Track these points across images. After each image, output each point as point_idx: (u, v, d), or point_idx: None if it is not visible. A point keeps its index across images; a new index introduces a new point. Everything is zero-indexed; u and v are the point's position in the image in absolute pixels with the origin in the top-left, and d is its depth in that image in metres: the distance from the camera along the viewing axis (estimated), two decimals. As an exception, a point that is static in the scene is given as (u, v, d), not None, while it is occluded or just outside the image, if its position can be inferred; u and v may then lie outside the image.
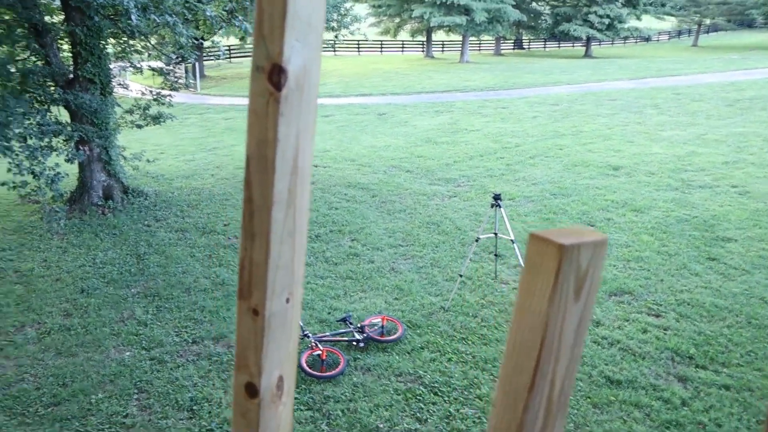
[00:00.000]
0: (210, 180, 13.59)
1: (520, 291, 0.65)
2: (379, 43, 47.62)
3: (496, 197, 7.44)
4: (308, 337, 6.58)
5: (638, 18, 46.50)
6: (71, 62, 11.07)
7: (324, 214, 11.06)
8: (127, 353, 6.83)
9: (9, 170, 9.08)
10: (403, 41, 47.69)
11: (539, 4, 48.24)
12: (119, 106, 11.78)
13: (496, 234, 7.72)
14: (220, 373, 6.42)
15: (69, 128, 10.39)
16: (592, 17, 42.73)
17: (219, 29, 10.88)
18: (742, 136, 16.05)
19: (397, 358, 6.56)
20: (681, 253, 9.04)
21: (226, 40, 34.81)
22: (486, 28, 39.92)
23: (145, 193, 12.10)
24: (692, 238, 9.53)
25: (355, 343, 6.71)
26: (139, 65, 12.91)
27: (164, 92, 12.41)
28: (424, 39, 45.41)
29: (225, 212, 11.33)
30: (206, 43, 23.78)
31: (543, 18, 48.06)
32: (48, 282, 8.67)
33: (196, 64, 29.51)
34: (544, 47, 55.40)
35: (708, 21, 58.33)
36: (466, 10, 37.98)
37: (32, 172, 9.27)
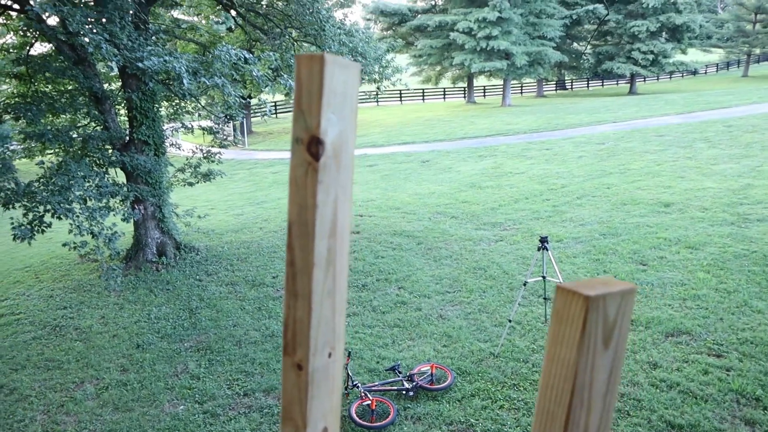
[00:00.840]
0: (258, 233, 13.87)
1: (549, 341, 0.68)
2: (421, 91, 48.34)
3: (543, 240, 7.37)
4: (358, 387, 6.57)
5: (683, 52, 46.02)
6: (127, 126, 11.62)
7: (370, 263, 11.12)
8: (181, 407, 6.93)
9: (70, 231, 9.47)
10: (444, 88, 48.31)
11: (580, 44, 48.33)
12: (171, 165, 12.24)
13: (544, 277, 7.63)
14: (271, 425, 6.44)
15: (125, 189, 10.83)
16: (635, 54, 42.48)
17: (265, 87, 11.28)
18: (798, 167, 15.56)
19: (447, 406, 6.47)
20: (741, 289, 8.72)
21: (271, 97, 35.96)
22: (527, 71, 40.14)
23: (197, 248, 12.43)
24: (752, 274, 9.20)
25: (404, 392, 6.66)
26: (190, 125, 13.45)
27: (214, 150, 12.86)
28: (465, 85, 45.89)
29: (273, 264, 11.52)
30: (253, 101, 24.61)
31: (585, 57, 48.06)
32: (106, 338, 8.93)
33: (244, 121, 30.49)
34: (587, 86, 55.24)
35: (758, 51, 57.21)
36: (507, 55, 38.34)
37: (91, 233, 9.66)
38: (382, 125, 33.71)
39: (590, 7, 42.22)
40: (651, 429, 5.91)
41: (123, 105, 11.88)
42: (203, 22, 18.70)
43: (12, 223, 9.68)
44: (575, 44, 48.15)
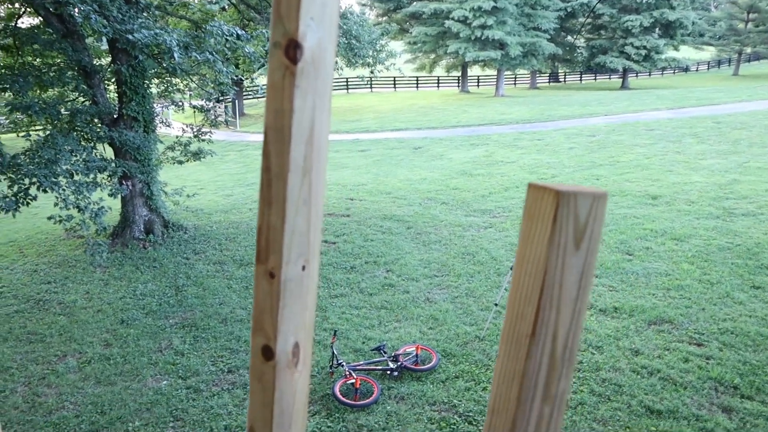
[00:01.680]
0: (248, 214, 13.82)
1: (521, 240, 0.68)
2: (415, 79, 48.21)
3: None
4: (342, 365, 6.58)
5: (676, 49, 46.15)
6: (117, 101, 11.50)
7: (359, 245, 11.12)
8: (164, 382, 6.92)
9: (56, 204, 9.40)
10: (438, 77, 48.19)
11: (574, 37, 48.33)
12: (161, 142, 12.15)
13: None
14: (255, 402, 6.43)
15: (113, 164, 10.75)
16: (628, 49, 42.56)
17: (258, 68, 11.19)
18: (786, 164, 15.68)
19: (431, 387, 6.51)
20: (723, 281, 8.80)
21: (264, 79, 35.74)
22: (521, 62, 40.09)
23: (185, 227, 12.37)
24: (735, 266, 9.28)
25: (389, 372, 6.68)
26: (180, 103, 13.34)
27: (204, 129, 12.78)
28: (460, 74, 45.80)
29: (262, 244, 11.46)
30: (246, 82, 24.44)
31: (579, 51, 48.06)
32: (90, 313, 8.88)
33: (236, 103, 30.31)
34: (580, 80, 55.29)
35: (749, 50, 57.45)
36: (501, 45, 38.28)
37: (77, 207, 9.58)
38: (376, 111, 33.62)
39: (585, 0, 42.21)
40: (630, 413, 5.97)
41: (112, 80, 11.76)
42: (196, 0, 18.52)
43: (-4, 195, 9.59)
44: (569, 37, 48.16)
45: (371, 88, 46.03)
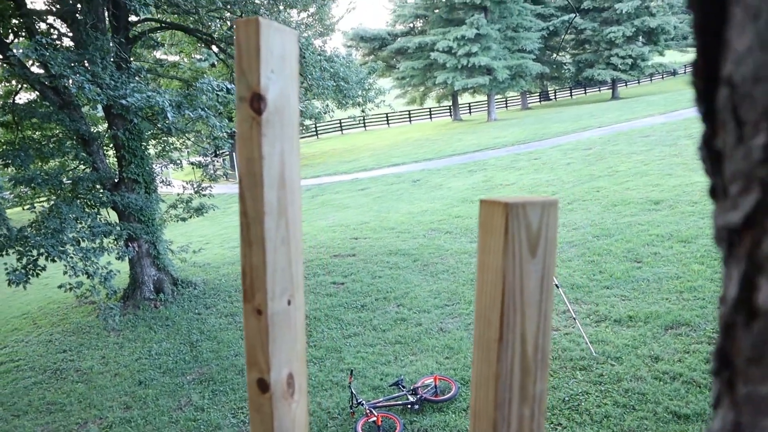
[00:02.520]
0: (255, 262, 13.84)
1: (479, 251, 0.73)
2: (407, 113, 48.72)
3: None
4: (362, 404, 6.55)
5: (661, 54, 46.62)
6: (116, 166, 11.69)
7: (368, 283, 11.14)
8: (188, 439, 6.90)
9: (65, 272, 9.49)
10: (430, 108, 48.71)
11: (559, 54, 48.91)
12: (163, 201, 12.30)
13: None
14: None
15: (118, 228, 10.87)
16: (614, 59, 43.03)
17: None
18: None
19: (453, 416, 6.46)
20: (736, 279, 8.76)
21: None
22: (510, 84, 40.55)
23: (194, 282, 12.42)
24: (745, 263, 9.25)
25: (409, 405, 6.64)
26: (179, 161, 13.54)
27: (204, 184, 12.95)
28: (451, 103, 46.31)
29: (272, 291, 11.50)
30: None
31: (566, 67, 48.60)
32: (107, 378, 8.89)
33: (233, 155, 30.63)
34: (571, 95, 55.80)
35: (733, 49, 57.81)
36: (488, 70, 38.77)
37: (86, 273, 9.67)
38: (371, 149, 33.92)
39: (565, 17, 42.87)
40: (657, 421, 5.91)
41: (111, 145, 11.97)
42: (185, 60, 18.89)
43: (6, 269, 9.69)
44: (554, 55, 48.74)
45: (365, 126, 46.52)
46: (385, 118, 47.73)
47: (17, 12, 10.13)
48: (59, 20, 10.81)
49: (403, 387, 6.88)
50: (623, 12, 41.45)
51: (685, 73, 63.37)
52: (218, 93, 9.66)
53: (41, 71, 10.20)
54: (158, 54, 17.55)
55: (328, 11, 26.41)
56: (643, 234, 11.34)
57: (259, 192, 0.84)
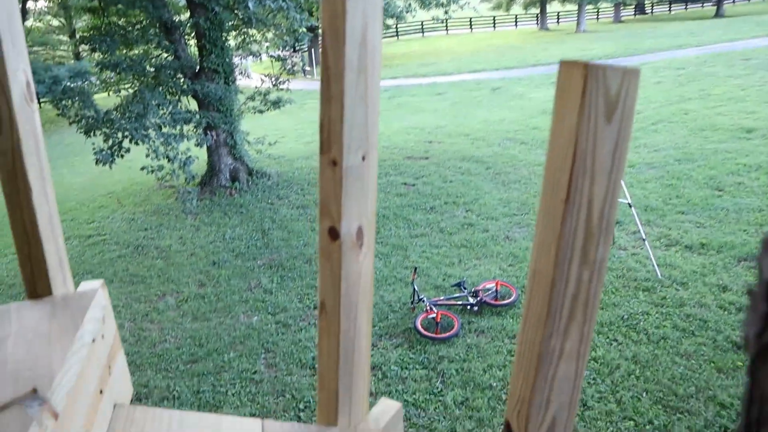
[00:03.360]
0: (327, 160, 14.06)
1: (554, 114, 0.73)
2: (492, 18, 46.77)
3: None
4: (423, 301, 6.76)
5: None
6: (197, 55, 11.88)
7: (438, 187, 11.19)
8: (255, 318, 7.33)
9: (147, 156, 9.95)
10: (516, 15, 46.58)
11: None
12: (242, 92, 12.50)
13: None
14: (339, 336, 6.73)
15: (197, 116, 11.19)
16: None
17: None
18: None
19: (510, 321, 6.60)
20: (824, 214, 8.33)
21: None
22: (604, -6, 38.10)
23: (268, 174, 12.77)
24: (838, 199, 8.74)
25: (468, 307, 6.80)
26: (258, 54, 13.63)
27: (282, 78, 13.04)
28: (538, 11, 44.07)
29: (341, 189, 11.72)
30: (320, 30, 24.50)
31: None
32: (184, 256, 9.44)
33: (312, 51, 30.48)
34: (669, 10, 51.92)
35: None
36: (582, -23, 36.44)
37: (167, 157, 10.11)
38: (452, 53, 33.02)
39: None
40: (716, 348, 5.86)
41: (192, 35, 12.12)
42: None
43: (94, 149, 10.24)
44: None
45: (447, 30, 45.08)
46: (468, 23, 46.02)
47: None
48: None
49: (465, 288, 7.03)
50: None
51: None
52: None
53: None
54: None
55: None
56: (729, 162, 10.80)
57: (341, 48, 0.86)
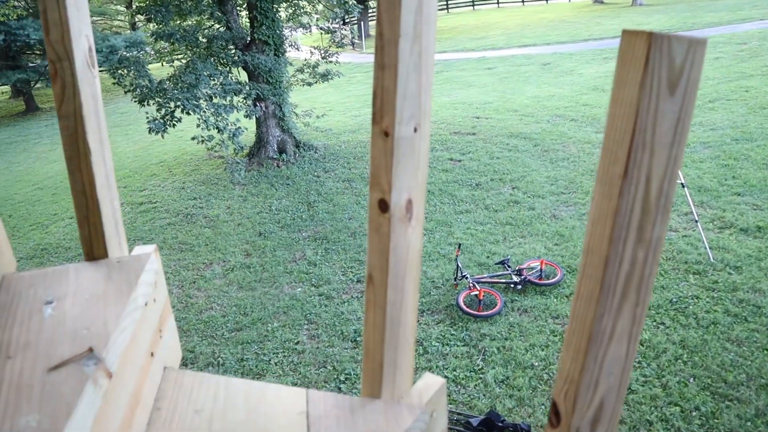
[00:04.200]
0: (374, 134, 14.04)
1: (614, 84, 0.71)
2: (544, -9, 45.54)
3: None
4: (466, 278, 6.74)
5: None
6: (248, 27, 11.96)
7: (485, 163, 11.07)
8: (299, 289, 7.44)
9: (198, 126, 10.11)
10: (570, -12, 45.22)
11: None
12: (291, 65, 12.54)
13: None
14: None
15: (247, 87, 11.29)
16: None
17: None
18: None
19: (554, 300, 6.53)
20: None
21: None
22: (664, -34, 36.59)
23: (315, 146, 12.85)
24: None
25: (512, 285, 6.76)
26: (308, 26, 13.62)
27: (331, 51, 13.03)
28: (594, -16, 42.64)
29: (387, 163, 11.71)
30: (370, 2, 24.33)
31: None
32: (231, 226, 9.61)
33: (362, 24, 30.32)
34: (734, -17, 49.64)
35: None
36: (641, -52, 35.08)
37: (217, 127, 10.26)
38: (503, 27, 32.36)
39: None
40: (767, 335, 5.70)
41: (244, 6, 12.18)
42: None
43: (147, 118, 10.45)
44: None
45: (498, 3, 44.15)
46: (520, -4, 44.99)
47: None
48: None
49: (509, 267, 6.98)
50: None
51: None
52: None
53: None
54: None
55: None
56: (792, 142, 10.36)
57: (397, 14, 0.84)
